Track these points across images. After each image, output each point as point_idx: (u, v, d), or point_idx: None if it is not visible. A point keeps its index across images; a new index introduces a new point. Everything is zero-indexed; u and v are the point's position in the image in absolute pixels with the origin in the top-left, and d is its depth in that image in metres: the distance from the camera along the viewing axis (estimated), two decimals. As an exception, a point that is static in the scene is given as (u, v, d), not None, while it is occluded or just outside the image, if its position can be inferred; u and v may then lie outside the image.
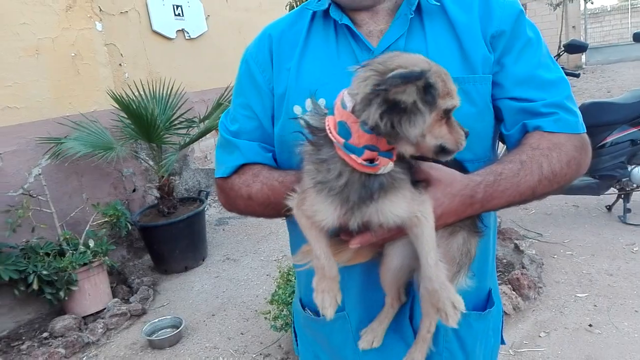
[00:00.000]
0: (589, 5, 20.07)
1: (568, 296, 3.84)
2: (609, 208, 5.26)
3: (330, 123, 0.96)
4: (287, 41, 1.28)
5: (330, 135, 0.95)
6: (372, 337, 1.26)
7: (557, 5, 17.21)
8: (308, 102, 1.18)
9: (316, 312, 1.32)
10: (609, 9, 27.15)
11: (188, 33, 6.69)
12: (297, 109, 1.22)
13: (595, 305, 3.68)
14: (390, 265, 1.16)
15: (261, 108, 1.30)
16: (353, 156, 0.93)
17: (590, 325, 3.45)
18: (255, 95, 1.30)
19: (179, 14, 6.58)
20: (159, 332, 3.97)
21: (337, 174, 0.96)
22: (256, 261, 5.13)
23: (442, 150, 0.97)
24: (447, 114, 0.95)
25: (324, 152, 0.98)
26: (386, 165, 0.95)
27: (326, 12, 1.25)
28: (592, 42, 23.93)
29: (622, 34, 23.58)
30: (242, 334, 3.89)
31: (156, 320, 4.04)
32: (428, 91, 0.89)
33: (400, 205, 0.98)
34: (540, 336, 3.42)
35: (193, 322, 4.14)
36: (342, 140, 0.93)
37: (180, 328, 3.90)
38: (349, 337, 1.33)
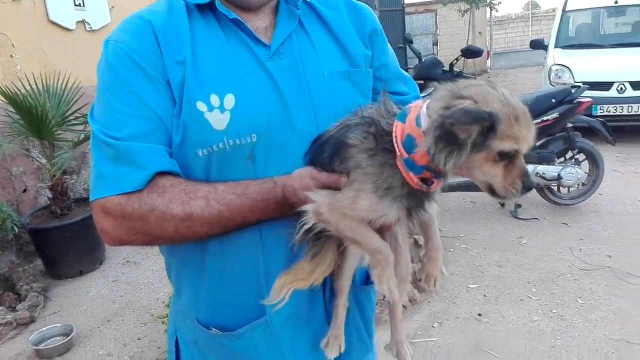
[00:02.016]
0: (494, 13, 21.25)
1: (461, 287, 4.02)
2: (502, 204, 5.58)
3: (398, 132, 0.98)
4: (172, 32, 1.15)
5: (395, 144, 0.97)
6: (338, 343, 1.26)
7: (465, 11, 18.07)
8: (213, 98, 1.11)
9: (226, 328, 1.24)
10: (513, 17, 28.91)
11: (89, 24, 6.35)
12: (200, 106, 1.10)
13: (485, 295, 3.88)
14: (351, 262, 1.21)
15: (162, 106, 1.11)
16: (411, 174, 0.97)
17: (479, 315, 3.64)
18: (152, 91, 1.11)
19: (79, 4, 6.23)
20: (48, 341, 3.73)
21: (400, 183, 0.99)
22: (158, 263, 4.96)
23: (490, 190, 0.97)
24: (504, 156, 0.92)
25: (384, 156, 1.00)
26: (437, 187, 1.01)
27: (204, 6, 1.19)
28: (496, 47, 25.36)
29: (524, 40, 25.12)
30: (138, 339, 3.74)
31: (45, 328, 3.80)
32: (487, 132, 0.88)
33: (434, 207, 1.08)
34: (433, 326, 3.56)
35: (86, 329, 3.93)
36: (406, 155, 0.96)
37: (71, 336, 3.69)
38: (272, 343, 1.25)
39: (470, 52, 4.87)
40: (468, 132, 0.87)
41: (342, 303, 1.25)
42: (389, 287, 1.03)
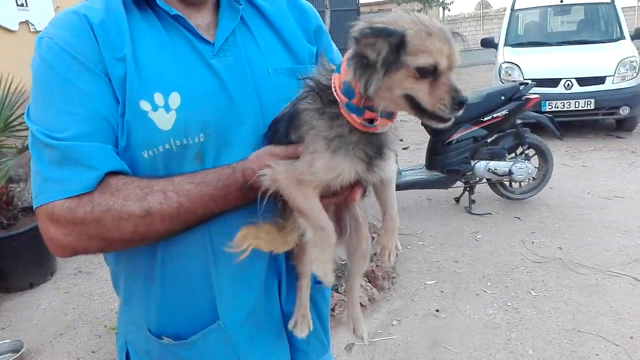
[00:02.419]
0: (447, 12, 21.65)
1: (419, 284, 4.07)
2: (457, 200, 5.68)
3: (336, 82, 1.00)
4: (110, 28, 1.09)
5: (335, 94, 0.99)
6: (306, 322, 1.28)
7: (419, 11, 18.31)
8: (157, 97, 1.06)
9: (178, 337, 1.20)
10: (466, 16, 29.55)
11: (33, 25, 6.14)
12: (144, 105, 1.06)
13: (442, 291, 3.94)
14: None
15: (106, 103, 1.05)
16: (354, 116, 0.98)
17: (437, 311, 3.69)
18: (94, 87, 1.05)
19: (22, 4, 6.02)
20: (7, 355, 3.57)
21: (349, 130, 1.00)
22: (113, 271, 4.83)
23: (416, 106, 0.95)
24: (424, 72, 0.92)
25: (331, 110, 1.01)
26: (385, 126, 1.01)
27: (142, 3, 1.15)
28: (450, 46, 25.81)
29: (476, 39, 25.68)
30: (93, 352, 3.62)
31: (7, 340, 3.64)
32: (397, 49, 0.90)
33: (393, 164, 1.08)
34: (392, 324, 3.58)
35: (37, 343, 3.78)
36: (345, 100, 0.97)
37: (21, 352, 3.54)
38: (227, 348, 1.21)
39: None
40: (376, 49, 0.90)
41: (306, 284, 1.26)
42: (324, 269, 1.02)
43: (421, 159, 6.01)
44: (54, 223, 1.02)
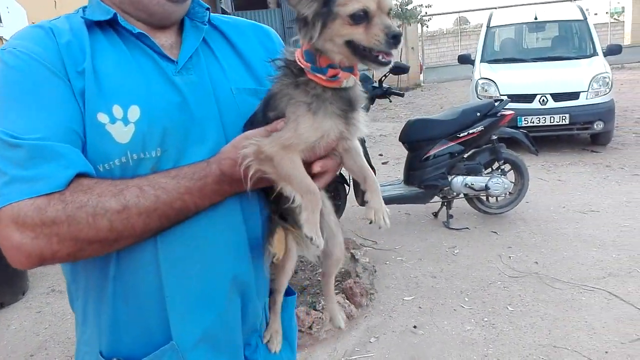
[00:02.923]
0: (425, 29, 21.96)
1: (397, 300, 4.06)
2: (435, 215, 5.71)
3: (298, 54, 1.12)
4: (73, 44, 1.09)
5: (299, 62, 1.11)
6: (279, 337, 1.39)
7: (398, 26, 18.54)
8: (116, 109, 1.05)
9: (129, 359, 1.16)
10: (445, 32, 29.98)
11: (23, 29, 6.04)
12: (102, 117, 1.04)
13: (420, 307, 3.94)
14: (292, 261, 1.32)
15: (74, 109, 1.04)
16: (319, 75, 1.09)
17: (414, 327, 3.68)
18: (64, 95, 1.04)
19: (-4, 21, 5.92)
20: None
21: (321, 90, 1.09)
22: (87, 290, 4.73)
23: (358, 51, 1.06)
24: (357, 18, 1.04)
25: (301, 78, 1.11)
26: (348, 79, 1.11)
27: (103, 24, 1.15)
28: (429, 62, 26.20)
29: (455, 55, 26.09)
30: (64, 373, 3.54)
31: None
32: (326, 3, 1.04)
33: (365, 124, 1.18)
34: (370, 341, 3.56)
35: None
36: (309, 65, 1.09)
37: (-11, 374, 3.44)
38: None
39: (397, 69, 4.98)
40: (307, 6, 1.06)
41: (280, 300, 1.38)
42: (315, 231, 1.08)
43: (400, 173, 6.06)
44: (19, 226, 0.94)
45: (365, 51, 1.06)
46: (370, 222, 1.20)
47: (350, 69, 1.11)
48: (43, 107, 1.02)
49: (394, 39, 1.03)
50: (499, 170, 5.40)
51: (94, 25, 1.15)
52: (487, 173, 5.40)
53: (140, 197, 1.02)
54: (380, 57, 1.06)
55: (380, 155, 9.04)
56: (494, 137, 5.32)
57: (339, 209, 5.25)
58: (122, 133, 1.06)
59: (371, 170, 1.23)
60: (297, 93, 1.11)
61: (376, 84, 5.20)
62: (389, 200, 5.22)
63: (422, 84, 20.30)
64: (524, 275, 4.29)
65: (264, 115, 1.15)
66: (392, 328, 3.69)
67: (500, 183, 5.20)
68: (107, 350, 1.19)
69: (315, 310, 3.73)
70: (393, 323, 3.75)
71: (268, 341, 1.37)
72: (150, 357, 1.16)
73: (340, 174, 5.19)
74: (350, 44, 1.06)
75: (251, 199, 1.24)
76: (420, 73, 20.59)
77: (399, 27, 15.86)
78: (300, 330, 3.50)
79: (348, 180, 5.26)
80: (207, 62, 1.25)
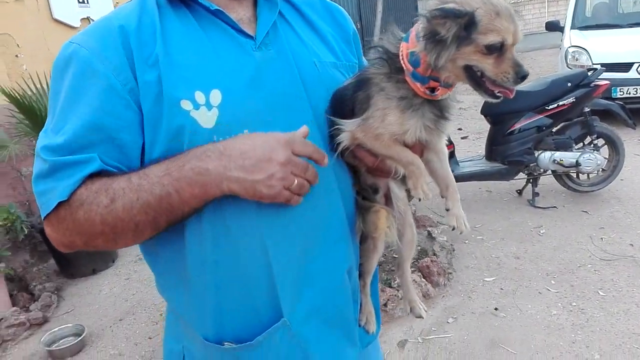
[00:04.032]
0: (508, -5, 20.80)
1: (477, 281, 3.92)
2: (520, 192, 5.43)
3: (403, 51, 1.10)
4: (144, 33, 1.07)
5: (401, 62, 1.09)
6: (373, 318, 1.42)
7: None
8: (198, 95, 1.04)
9: (240, 340, 1.15)
10: (530, -1, 28.31)
11: (94, 21, 6.31)
12: (185, 104, 1.04)
13: (502, 289, 3.77)
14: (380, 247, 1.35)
15: (118, 117, 1.04)
16: (418, 84, 1.09)
17: (495, 309, 3.53)
18: (107, 101, 1.03)
19: (83, 1, 6.18)
20: (60, 342, 3.72)
21: (413, 94, 1.10)
22: (170, 260, 4.94)
23: (474, 78, 1.07)
24: (492, 49, 1.03)
25: (397, 75, 1.12)
26: (444, 95, 1.12)
27: (176, 1, 1.13)
28: (513, 31, 24.85)
29: (541, 22, 24.60)
30: (150, 338, 3.72)
31: (56, 329, 3.79)
32: (467, 27, 1.02)
33: (450, 127, 1.20)
34: (448, 322, 3.46)
35: (98, 328, 3.92)
36: (411, 69, 1.08)
37: (83, 336, 3.68)
38: (293, 346, 1.18)
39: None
40: (447, 27, 1.02)
41: (369, 281, 1.42)
42: (423, 190, 1.16)
43: (480, 148, 5.80)
44: (47, 224, 1.06)
45: (484, 80, 1.07)
46: (453, 229, 1.24)
47: (449, 85, 1.11)
48: (76, 109, 1.04)
49: (522, 79, 1.05)
50: (592, 146, 5.02)
51: (166, 4, 1.13)
52: (578, 148, 5.03)
53: (126, 189, 1.01)
54: (496, 91, 1.08)
55: (460, 129, 8.71)
56: (587, 110, 4.93)
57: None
58: (206, 118, 1.05)
59: (453, 178, 1.26)
60: (389, 86, 1.13)
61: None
62: (469, 177, 5.03)
63: (505, 55, 19.33)
64: (617, 259, 3.99)
65: (353, 94, 1.18)
66: (472, 309, 3.56)
67: (592, 159, 4.84)
68: (214, 335, 1.17)
69: (391, 287, 3.68)
70: (472, 304, 3.62)
71: (366, 323, 1.40)
72: (263, 335, 1.15)
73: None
74: (469, 69, 1.07)
75: (346, 179, 1.26)
76: (503, 43, 19.59)
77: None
78: (376, 307, 3.46)
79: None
80: (287, 36, 1.21)
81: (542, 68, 14.30)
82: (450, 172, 1.26)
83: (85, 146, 1.02)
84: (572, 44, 8.06)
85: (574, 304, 3.49)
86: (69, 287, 4.65)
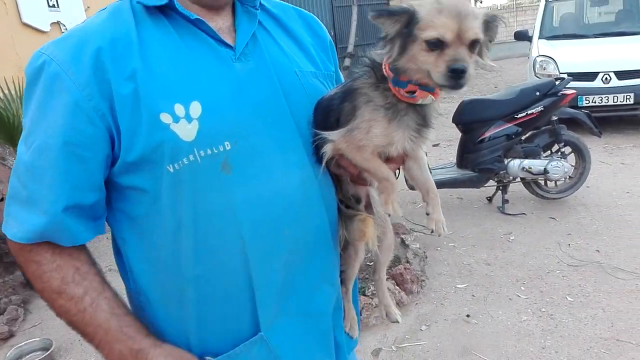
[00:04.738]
0: (479, 5, 21.21)
1: (449, 287, 3.96)
2: (490, 199, 5.52)
3: (385, 59, 1.12)
4: (120, 43, 1.05)
5: (384, 69, 1.12)
6: (355, 324, 1.47)
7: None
8: (177, 108, 1.03)
9: (219, 354, 1.15)
10: (499, 8, 28.90)
11: (65, 26, 6.20)
12: (165, 117, 1.02)
13: (473, 295, 3.82)
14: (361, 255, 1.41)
15: (86, 137, 1.03)
16: (398, 89, 1.11)
17: (467, 316, 3.57)
18: (77, 120, 1.02)
19: (53, 5, 6.09)
20: (27, 357, 3.63)
21: (397, 100, 1.12)
22: (142, 270, 4.85)
23: (430, 77, 1.07)
24: (432, 44, 1.03)
25: (383, 84, 1.13)
26: (425, 98, 1.11)
27: (154, 10, 1.11)
28: (482, 39, 25.31)
29: (509, 31, 25.14)
30: (120, 350, 3.64)
31: (23, 343, 3.69)
32: (409, 25, 1.04)
33: (433, 134, 1.20)
34: (421, 330, 3.49)
35: (67, 342, 3.82)
36: (392, 75, 1.11)
37: (51, 350, 3.59)
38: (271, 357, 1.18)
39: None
40: (390, 26, 1.06)
41: (351, 288, 1.45)
42: (393, 207, 1.18)
43: (452, 156, 5.88)
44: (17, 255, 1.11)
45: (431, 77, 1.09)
46: (432, 232, 1.26)
47: (428, 88, 1.11)
48: (43, 123, 1.04)
49: (453, 73, 1.02)
50: (559, 153, 5.14)
51: (143, 12, 1.11)
52: (546, 156, 5.15)
53: (74, 300, 1.07)
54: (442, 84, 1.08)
55: (431, 136, 8.81)
56: (554, 118, 5.06)
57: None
58: (187, 131, 1.04)
59: (433, 182, 1.27)
60: (375, 95, 1.14)
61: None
62: (440, 184, 5.08)
63: (475, 63, 19.65)
64: (584, 264, 4.08)
65: (339, 105, 1.18)
66: (444, 316, 3.60)
67: (560, 166, 4.95)
68: (195, 350, 1.17)
69: (365, 295, 3.69)
70: (445, 311, 3.66)
71: (350, 329, 1.45)
72: (240, 347, 1.15)
73: (391, 157, 5.07)
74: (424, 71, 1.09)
75: (329, 189, 1.26)
76: (473, 51, 19.92)
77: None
78: (350, 316, 3.47)
79: (399, 164, 5.13)
80: (267, 46, 1.21)
81: (511, 76, 14.63)
82: (431, 177, 1.27)
83: (52, 165, 1.03)
84: (540, 54, 8.26)
85: (543, 309, 3.56)
86: (36, 300, 4.52)
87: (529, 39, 8.96)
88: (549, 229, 4.78)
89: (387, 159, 1.20)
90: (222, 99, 1.09)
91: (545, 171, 4.95)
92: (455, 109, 5.26)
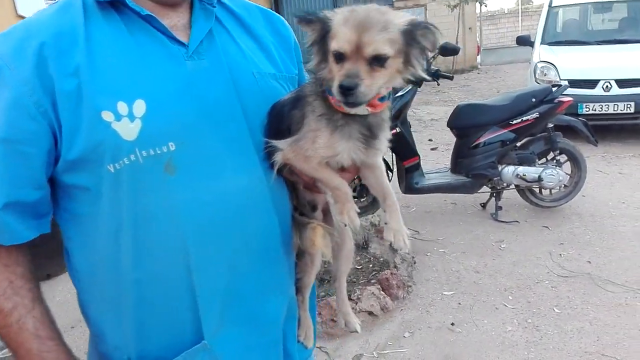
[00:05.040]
0: (484, 8, 21.13)
1: (435, 294, 3.90)
2: (484, 205, 5.46)
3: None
4: (65, 38, 1.02)
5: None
6: (311, 333, 1.42)
7: (455, 6, 17.90)
8: (120, 105, 1.00)
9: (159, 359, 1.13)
10: (506, 12, 28.82)
11: (14, 25, 6.15)
12: (107, 115, 0.99)
13: (460, 303, 3.77)
14: (318, 262, 1.36)
15: (27, 133, 1.01)
16: (330, 97, 1.08)
17: (452, 324, 3.52)
18: (17, 115, 1.00)
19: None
20: (4, 350, 3.58)
21: (334, 110, 1.09)
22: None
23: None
24: (336, 56, 1.02)
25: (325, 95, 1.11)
26: (358, 109, 1.07)
27: (106, 4, 1.07)
28: (488, 43, 25.27)
29: (515, 36, 25.07)
30: (100, 348, 3.60)
31: None
32: (324, 34, 1.04)
33: (385, 145, 1.16)
34: (404, 336, 3.43)
35: (66, 326, 3.77)
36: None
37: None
38: None
39: (447, 50, 4.72)
40: (310, 33, 1.06)
41: (307, 296, 1.40)
42: (349, 216, 1.13)
43: (449, 160, 5.81)
44: None
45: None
46: (390, 245, 1.22)
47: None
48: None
49: (340, 89, 1.00)
50: (554, 161, 5.08)
51: (95, 7, 1.07)
52: (541, 163, 5.09)
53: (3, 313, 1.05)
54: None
55: (430, 140, 8.77)
56: (550, 125, 4.99)
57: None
58: (128, 130, 1.01)
59: (391, 190, 1.21)
60: (318, 105, 1.11)
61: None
62: (434, 189, 5.03)
63: (479, 66, 19.62)
64: (574, 275, 4.02)
65: (290, 112, 1.15)
66: (429, 324, 3.55)
67: (554, 174, 4.89)
68: (136, 355, 1.14)
69: (350, 299, 3.64)
70: (430, 318, 3.61)
71: (304, 338, 1.40)
72: (182, 355, 1.12)
73: (384, 159, 5.03)
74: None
75: (282, 195, 1.22)
76: (478, 55, 19.88)
77: (455, 6, 15.12)
78: (332, 320, 3.42)
79: (392, 166, 5.08)
80: (224, 45, 1.17)
81: (514, 81, 14.58)
82: (388, 185, 1.23)
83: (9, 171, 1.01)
84: (541, 59, 8.20)
85: (529, 320, 3.50)
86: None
87: (531, 44, 8.90)
88: (541, 238, 4.72)
89: (342, 168, 1.17)
90: (168, 98, 1.05)
91: (540, 179, 4.89)
92: (450, 114, 5.22)
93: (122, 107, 1.00)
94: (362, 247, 4.60)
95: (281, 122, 1.16)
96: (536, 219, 5.12)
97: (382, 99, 1.09)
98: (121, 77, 1.02)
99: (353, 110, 1.08)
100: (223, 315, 1.13)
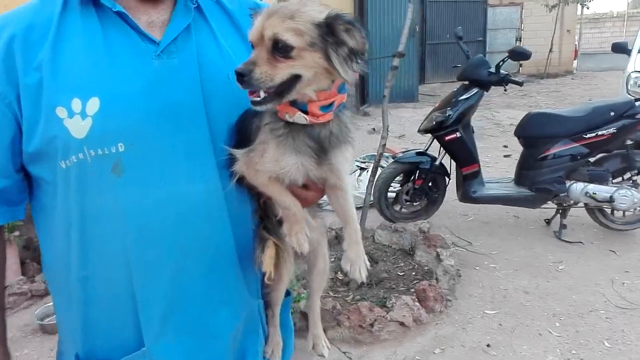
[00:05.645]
0: (585, 10, 19.80)
1: (476, 312, 3.70)
2: (548, 222, 5.11)
3: None
4: (35, 32, 1.04)
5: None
6: (279, 349, 1.36)
7: (553, 7, 16.89)
8: (75, 103, 1.00)
9: None
10: (614, 15, 26.86)
11: None
12: (60, 112, 1.00)
13: (501, 324, 3.55)
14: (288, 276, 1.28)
15: None
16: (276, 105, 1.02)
17: (488, 345, 3.32)
18: None
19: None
20: (53, 316, 3.81)
21: (280, 120, 1.04)
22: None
23: None
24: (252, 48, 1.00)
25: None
26: (290, 113, 1.01)
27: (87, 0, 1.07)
28: (588, 47, 23.69)
29: (611, 41, 23.33)
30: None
31: (51, 303, 3.88)
32: None
33: (344, 166, 1.09)
34: (435, 352, 3.28)
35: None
36: None
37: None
38: None
39: (518, 54, 4.44)
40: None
41: (277, 312, 1.34)
42: (297, 239, 1.08)
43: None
44: None
45: None
46: (345, 274, 1.14)
47: (303, 106, 1.01)
48: None
49: (236, 76, 0.96)
50: (630, 181, 4.66)
51: (76, 1, 1.07)
52: (616, 182, 4.68)
53: None
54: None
55: (505, 147, 8.36)
56: (629, 142, 4.57)
57: (436, 201, 4.91)
58: (79, 128, 1.00)
59: (355, 218, 1.16)
60: (268, 113, 1.05)
61: (492, 70, 4.68)
62: (493, 199, 4.79)
63: (575, 71, 18.45)
64: (634, 308, 3.66)
65: (250, 120, 1.10)
66: (463, 342, 3.37)
67: (628, 196, 4.48)
68: (83, 353, 1.15)
69: (385, 307, 3.54)
70: (465, 337, 3.43)
71: (271, 355, 1.34)
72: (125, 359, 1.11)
73: (441, 164, 4.84)
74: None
75: (240, 206, 1.17)
76: (574, 59, 18.69)
77: (554, 6, 14.27)
78: (360, 326, 3.34)
79: (449, 172, 4.88)
80: (202, 44, 1.13)
81: (611, 89, 13.57)
82: (352, 211, 1.15)
83: None
84: (636, 69, 7.55)
85: (574, 351, 3.23)
86: None
87: (628, 52, 8.20)
88: (605, 263, 4.34)
89: (304, 186, 1.11)
90: (125, 97, 1.03)
91: (612, 199, 4.50)
92: (519, 121, 4.92)
93: (76, 104, 1.00)
94: (407, 253, 4.47)
95: (246, 129, 1.11)
96: (603, 242, 4.72)
97: (325, 108, 1.00)
98: (81, 74, 1.02)
99: (287, 117, 1.02)
100: (165, 322, 1.11)
